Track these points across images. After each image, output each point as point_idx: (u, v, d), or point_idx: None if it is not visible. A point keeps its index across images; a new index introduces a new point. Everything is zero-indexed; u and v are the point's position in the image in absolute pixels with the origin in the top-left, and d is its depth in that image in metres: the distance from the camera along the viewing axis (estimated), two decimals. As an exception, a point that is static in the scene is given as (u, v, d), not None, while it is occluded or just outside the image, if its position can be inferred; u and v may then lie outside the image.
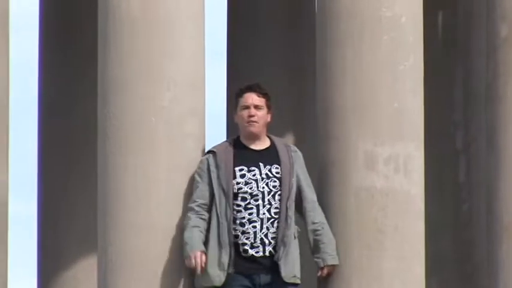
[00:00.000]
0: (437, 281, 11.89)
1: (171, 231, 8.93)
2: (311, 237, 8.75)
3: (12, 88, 10.92)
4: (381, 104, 9.10)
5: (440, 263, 12.41)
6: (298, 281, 9.03)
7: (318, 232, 8.79)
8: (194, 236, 8.72)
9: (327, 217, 9.06)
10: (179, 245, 8.86)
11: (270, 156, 8.92)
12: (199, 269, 8.55)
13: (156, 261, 8.94)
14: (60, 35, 14.03)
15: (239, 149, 9.00)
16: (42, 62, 14.10)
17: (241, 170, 8.81)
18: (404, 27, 9.39)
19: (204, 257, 8.71)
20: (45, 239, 13.69)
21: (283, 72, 12.86)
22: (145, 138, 8.93)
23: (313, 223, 8.84)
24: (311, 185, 9.13)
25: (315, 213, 8.89)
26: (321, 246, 8.82)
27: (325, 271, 8.86)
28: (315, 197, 9.03)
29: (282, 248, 8.62)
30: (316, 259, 8.91)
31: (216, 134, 11.92)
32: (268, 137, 9.08)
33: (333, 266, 9.00)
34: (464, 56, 12.96)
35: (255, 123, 8.81)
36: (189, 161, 9.09)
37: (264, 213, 8.72)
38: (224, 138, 10.57)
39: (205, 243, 8.80)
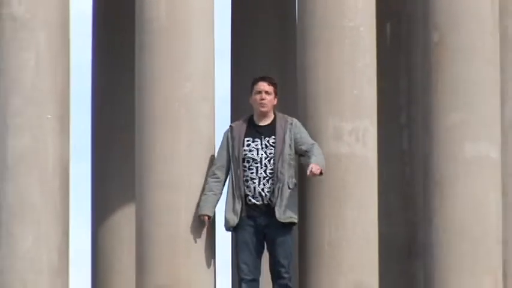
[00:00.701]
0: (386, 224, 13.58)
1: (191, 188, 11.23)
2: (305, 158, 10.87)
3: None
4: (345, 92, 11.33)
5: (389, 212, 13.92)
6: (295, 221, 11.11)
7: (309, 153, 10.82)
8: (207, 200, 10.97)
9: (303, 177, 11.19)
10: (197, 200, 11.29)
11: (270, 130, 11.05)
12: (205, 228, 11.11)
13: (181, 213, 11.29)
14: (110, 41, 15.98)
15: (249, 124, 11.17)
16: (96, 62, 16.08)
17: (248, 140, 10.97)
18: (362, 34, 11.64)
19: (207, 221, 11.11)
20: (97, 191, 15.83)
21: (274, 67, 14.44)
22: (171, 118, 11.27)
23: (307, 151, 10.88)
24: (308, 137, 11.08)
25: (311, 149, 10.88)
26: (311, 156, 10.86)
27: (313, 169, 10.72)
28: (311, 141, 11.01)
29: (276, 197, 10.75)
30: (306, 162, 10.95)
31: (222, 115, 13.87)
32: (275, 114, 11.23)
33: (320, 169, 10.85)
34: (407, 55, 14.12)
35: (264, 105, 10.96)
36: (202, 136, 11.36)
37: (261, 173, 10.91)
38: (229, 119, 13.80)
39: (224, 195, 11.36)
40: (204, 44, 11.73)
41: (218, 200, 11.45)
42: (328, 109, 11.47)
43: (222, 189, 11.48)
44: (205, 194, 11.16)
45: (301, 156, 11.08)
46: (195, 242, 11.51)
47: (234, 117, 14.04)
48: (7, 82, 12.08)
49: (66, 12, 12.58)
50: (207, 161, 11.55)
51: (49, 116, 12.08)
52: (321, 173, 10.87)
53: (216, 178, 11.18)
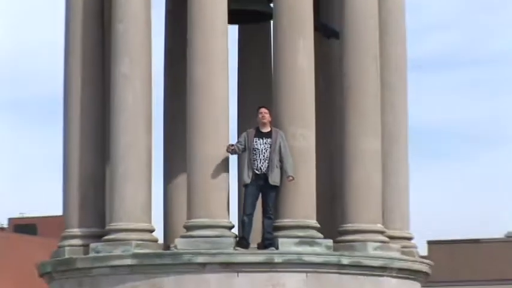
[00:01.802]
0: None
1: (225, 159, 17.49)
2: (280, 163, 17.27)
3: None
4: (299, 112, 17.53)
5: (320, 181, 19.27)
6: (278, 184, 17.46)
7: (283, 160, 17.14)
8: (238, 145, 17.38)
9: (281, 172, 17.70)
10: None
11: (267, 135, 17.67)
12: (229, 149, 17.20)
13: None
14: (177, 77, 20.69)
15: (256, 131, 17.72)
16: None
17: (255, 139, 17.57)
18: (306, 75, 17.78)
19: (232, 147, 17.27)
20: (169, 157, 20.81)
21: (266, 100, 19.55)
22: (212, 124, 17.20)
23: (282, 157, 17.20)
24: (286, 147, 17.35)
25: (285, 157, 17.19)
26: (285, 164, 17.21)
27: (290, 178, 17.18)
28: (287, 151, 17.33)
29: (269, 171, 17.30)
30: (283, 166, 17.31)
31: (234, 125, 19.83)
32: (271, 127, 17.71)
33: (292, 178, 17.13)
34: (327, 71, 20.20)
35: (264, 120, 17.52)
36: (224, 135, 17.52)
37: (261, 158, 17.42)
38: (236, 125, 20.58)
39: (242, 168, 18.06)
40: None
41: (240, 149, 17.78)
42: (288, 122, 17.82)
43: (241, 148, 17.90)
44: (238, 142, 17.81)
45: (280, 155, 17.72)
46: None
47: (241, 128, 20.48)
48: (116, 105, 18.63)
49: (150, 68, 19.04)
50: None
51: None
52: (293, 178, 17.21)
53: (242, 145, 17.65)
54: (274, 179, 17.38)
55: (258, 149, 17.72)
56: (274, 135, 17.56)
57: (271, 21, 19.34)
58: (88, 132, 19.19)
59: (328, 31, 19.89)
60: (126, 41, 18.56)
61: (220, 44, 18.24)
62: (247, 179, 17.71)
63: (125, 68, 18.29)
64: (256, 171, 17.65)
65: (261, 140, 17.73)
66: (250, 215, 17.71)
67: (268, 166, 17.47)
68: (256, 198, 17.83)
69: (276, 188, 17.50)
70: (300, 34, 18.09)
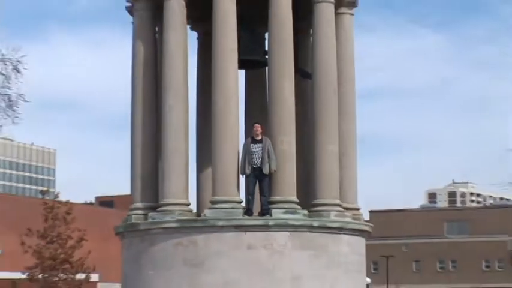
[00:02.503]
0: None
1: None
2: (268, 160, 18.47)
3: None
4: (282, 123, 18.70)
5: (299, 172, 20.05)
6: (267, 173, 18.59)
7: (269, 158, 18.35)
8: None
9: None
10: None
11: (260, 141, 18.84)
12: None
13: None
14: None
15: (252, 139, 18.99)
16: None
17: (251, 145, 18.82)
18: (288, 95, 18.99)
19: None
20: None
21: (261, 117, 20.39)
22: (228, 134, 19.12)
23: (268, 156, 18.39)
24: (272, 151, 18.56)
25: (271, 157, 18.51)
26: (270, 161, 18.32)
27: (273, 171, 18.46)
28: (272, 153, 18.60)
29: (262, 165, 18.51)
30: (269, 162, 18.43)
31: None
32: (262, 136, 18.91)
33: (274, 170, 18.39)
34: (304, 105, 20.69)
35: (256, 132, 18.79)
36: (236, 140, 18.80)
37: (256, 157, 18.59)
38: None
39: (243, 164, 18.84)
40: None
41: (244, 154, 19.01)
42: (278, 132, 19.01)
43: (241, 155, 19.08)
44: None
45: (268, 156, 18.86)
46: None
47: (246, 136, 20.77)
48: (165, 123, 19.49)
49: (187, 97, 19.89)
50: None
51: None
52: (275, 171, 18.50)
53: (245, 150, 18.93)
54: (265, 170, 18.92)
55: (253, 151, 19.29)
56: (264, 142, 19.06)
57: (266, 68, 20.59)
58: (147, 139, 20.55)
59: (304, 73, 20.85)
60: (171, 81, 19.87)
61: (233, 82, 19.73)
62: (248, 171, 19.26)
63: (170, 99, 19.76)
64: (254, 166, 19.26)
65: (255, 145, 19.32)
66: (252, 194, 19.37)
67: (261, 162, 19.05)
68: (255, 184, 19.38)
69: (267, 176, 19.00)
70: (284, 76, 19.44)
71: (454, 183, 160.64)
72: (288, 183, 19.17)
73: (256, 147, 19.20)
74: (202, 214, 19.64)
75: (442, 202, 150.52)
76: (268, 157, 19.06)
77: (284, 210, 18.84)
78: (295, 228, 18.81)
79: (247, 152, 19.33)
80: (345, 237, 19.64)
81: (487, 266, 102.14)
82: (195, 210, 20.74)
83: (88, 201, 74.62)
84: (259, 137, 19.27)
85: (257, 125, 19.47)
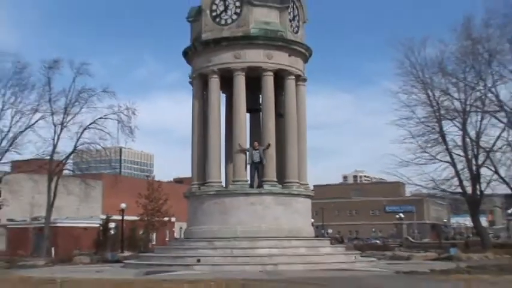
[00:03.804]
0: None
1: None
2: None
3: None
4: (267, 139, 20.12)
5: (277, 165, 21.00)
6: (263, 163, 19.35)
7: (262, 158, 19.17)
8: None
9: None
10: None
11: (257, 149, 19.71)
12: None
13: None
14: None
15: (253, 148, 19.70)
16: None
17: (253, 151, 19.57)
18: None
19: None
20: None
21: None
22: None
23: (261, 157, 19.31)
24: (263, 154, 19.12)
25: (262, 157, 19.26)
26: (262, 159, 19.09)
27: (264, 164, 19.15)
28: (263, 155, 19.28)
29: (259, 161, 19.55)
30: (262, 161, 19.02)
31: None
32: (259, 147, 19.34)
33: (264, 164, 19.03)
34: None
35: (255, 145, 19.35)
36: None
37: (255, 157, 19.51)
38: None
39: (249, 160, 19.63)
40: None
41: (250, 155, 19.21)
42: (265, 142, 19.70)
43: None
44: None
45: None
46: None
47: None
48: (209, 140, 20.11)
49: (219, 128, 20.55)
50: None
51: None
52: (265, 163, 18.28)
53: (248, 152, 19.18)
54: (261, 165, 20.02)
55: (254, 155, 20.32)
56: (260, 150, 20.20)
57: (260, 112, 21.44)
58: (199, 149, 21.23)
59: (280, 115, 21.08)
60: (211, 119, 20.79)
61: (243, 120, 20.75)
62: (250, 163, 20.18)
63: (211, 128, 20.68)
64: (254, 161, 20.27)
65: (255, 151, 20.27)
66: (253, 176, 20.36)
67: (259, 159, 20.12)
68: (254, 171, 20.33)
69: (262, 166, 20.08)
70: (269, 117, 20.49)
71: (355, 170, 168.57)
72: (271, 171, 20.47)
73: (256, 152, 20.25)
74: (228, 188, 20.75)
75: (350, 180, 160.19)
76: (261, 159, 20.29)
77: (270, 185, 20.15)
78: (275, 194, 20.08)
79: (251, 154, 20.37)
80: (300, 199, 20.85)
81: (372, 213, 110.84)
82: (224, 185, 21.20)
83: (169, 180, 76.50)
84: (257, 147, 20.42)
85: (256, 143, 20.70)
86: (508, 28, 30.50)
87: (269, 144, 19.93)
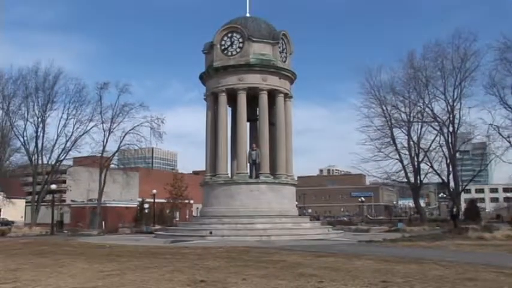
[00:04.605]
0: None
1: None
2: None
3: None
4: (261, 144, 19.01)
5: (270, 161, 20.01)
6: (258, 163, 18.57)
7: (257, 158, 18.28)
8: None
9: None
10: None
11: (255, 150, 19.17)
12: None
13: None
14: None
15: (252, 149, 19.31)
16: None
17: (251, 152, 19.03)
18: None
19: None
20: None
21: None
22: None
23: (257, 157, 18.43)
24: (259, 154, 18.41)
25: (258, 157, 18.56)
26: (258, 159, 18.19)
27: (258, 162, 18.14)
28: (260, 155, 18.49)
29: (256, 160, 18.82)
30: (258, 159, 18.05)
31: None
32: (256, 148, 18.87)
33: (259, 163, 17.90)
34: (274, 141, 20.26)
35: (253, 147, 18.98)
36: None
37: (254, 156, 18.82)
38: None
39: (248, 159, 18.75)
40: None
41: (249, 154, 18.32)
42: (261, 146, 18.93)
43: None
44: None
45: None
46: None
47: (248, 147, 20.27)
48: (218, 142, 18.93)
49: (226, 134, 19.76)
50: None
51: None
52: (260, 162, 17.03)
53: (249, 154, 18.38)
54: (258, 161, 19.39)
55: (252, 154, 19.84)
56: (257, 151, 19.67)
57: (257, 121, 20.89)
58: (212, 149, 20.50)
59: (272, 123, 20.29)
60: (220, 128, 20.09)
61: (244, 128, 20.25)
62: (250, 161, 19.62)
63: (220, 134, 20.08)
64: (253, 159, 19.78)
65: (253, 152, 19.83)
66: (251, 170, 19.77)
67: (257, 158, 19.54)
68: (252, 166, 19.72)
69: (258, 164, 19.46)
70: (265, 125, 19.91)
71: (329, 165, 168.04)
72: (265, 166, 19.94)
73: (254, 153, 19.75)
74: (233, 178, 20.20)
75: (325, 173, 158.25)
76: (258, 157, 19.75)
77: (264, 176, 19.70)
78: (269, 183, 19.61)
79: (250, 154, 19.93)
80: (287, 187, 20.35)
81: (341, 197, 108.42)
82: (230, 176, 20.65)
83: (189, 173, 75.68)
84: (254, 149, 19.90)
85: (254, 144, 20.24)
86: (438, 61, 32.82)
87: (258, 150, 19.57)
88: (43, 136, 34.41)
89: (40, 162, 35.23)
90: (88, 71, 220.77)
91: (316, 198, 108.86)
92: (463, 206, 42.81)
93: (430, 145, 33.35)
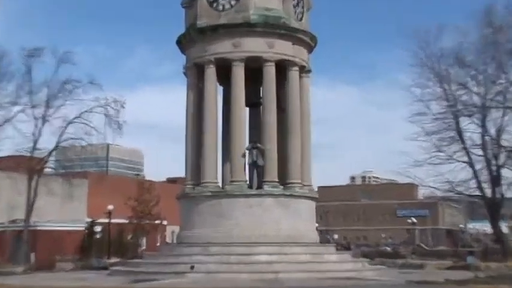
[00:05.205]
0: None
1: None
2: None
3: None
4: (268, 138, 19.86)
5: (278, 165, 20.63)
6: (262, 165, 19.58)
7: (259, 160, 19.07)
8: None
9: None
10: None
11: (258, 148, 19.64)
12: None
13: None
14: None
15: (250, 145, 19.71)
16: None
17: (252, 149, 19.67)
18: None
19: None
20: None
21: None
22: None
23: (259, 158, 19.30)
24: (261, 155, 19.31)
25: (260, 159, 19.42)
26: (260, 161, 19.15)
27: (261, 165, 19.21)
28: (262, 156, 19.47)
29: (257, 161, 19.63)
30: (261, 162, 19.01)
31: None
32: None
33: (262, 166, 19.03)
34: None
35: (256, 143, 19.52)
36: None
37: (254, 157, 19.68)
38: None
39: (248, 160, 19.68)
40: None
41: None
42: (267, 142, 19.65)
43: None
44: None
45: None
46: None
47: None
48: (204, 133, 19.88)
49: (216, 119, 20.45)
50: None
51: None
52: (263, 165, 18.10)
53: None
54: (260, 163, 20.11)
55: (253, 153, 20.53)
56: (259, 149, 20.40)
57: (261, 106, 21.47)
58: (194, 146, 21.19)
59: (280, 108, 21.03)
60: (207, 114, 20.71)
61: (242, 115, 20.79)
62: (250, 163, 20.23)
63: (207, 124, 20.67)
64: (254, 160, 20.43)
65: (254, 150, 20.54)
66: (252, 177, 20.51)
67: (259, 159, 20.24)
68: (253, 170, 20.46)
69: (263, 168, 20.18)
70: (270, 111, 20.49)
71: (364, 171, 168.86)
72: (272, 171, 20.49)
73: (255, 152, 20.34)
74: (224, 188, 20.86)
75: (358, 181, 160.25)
76: (261, 157, 20.28)
77: (270, 185, 20.20)
78: (276, 196, 20.15)
79: (250, 154, 20.44)
80: (303, 201, 20.97)
81: (382, 217, 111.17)
82: (221, 186, 21.53)
83: (162, 180, 76.51)
84: (256, 146, 20.47)
85: (255, 140, 20.93)
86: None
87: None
88: None
89: None
90: (10, 31, 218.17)
91: (346, 218, 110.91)
92: None
93: (517, 141, 30.69)
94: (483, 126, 32.01)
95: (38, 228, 41.58)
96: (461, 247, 58.47)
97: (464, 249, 51.22)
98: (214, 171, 21.03)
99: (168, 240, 57.16)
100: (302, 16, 21.63)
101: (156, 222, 48.75)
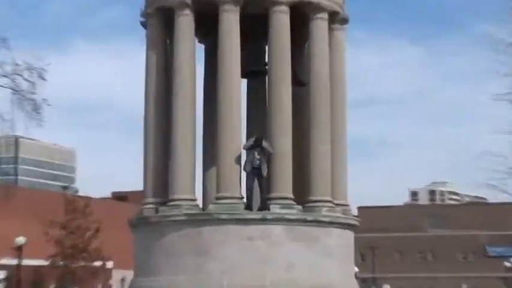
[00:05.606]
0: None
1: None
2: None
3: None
4: (281, 125, 19.44)
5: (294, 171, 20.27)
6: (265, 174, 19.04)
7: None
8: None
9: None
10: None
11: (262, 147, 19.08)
12: None
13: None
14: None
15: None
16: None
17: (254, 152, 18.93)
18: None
19: None
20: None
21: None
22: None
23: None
24: (265, 159, 19.00)
25: (264, 164, 18.99)
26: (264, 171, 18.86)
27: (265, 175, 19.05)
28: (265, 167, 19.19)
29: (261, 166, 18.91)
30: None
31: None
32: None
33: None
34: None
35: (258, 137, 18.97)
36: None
37: (255, 159, 18.93)
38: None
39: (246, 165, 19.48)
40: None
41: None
42: (278, 133, 19.33)
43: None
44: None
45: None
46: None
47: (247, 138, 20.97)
48: (175, 126, 19.69)
49: (194, 103, 20.08)
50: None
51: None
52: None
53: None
54: (264, 171, 19.83)
55: (254, 154, 20.23)
56: (263, 146, 20.16)
57: (266, 77, 21.14)
58: (158, 140, 21.29)
59: (298, 82, 21.21)
60: (179, 88, 20.61)
61: (236, 90, 20.46)
62: (250, 167, 20.05)
63: (179, 104, 20.49)
64: (254, 167, 20.06)
65: (256, 150, 20.24)
66: (251, 190, 20.09)
67: (263, 163, 19.95)
68: (253, 181, 20.02)
69: (267, 177, 19.85)
70: (283, 83, 20.24)
71: (433, 182, 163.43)
72: (285, 180, 19.86)
73: (257, 152, 20.03)
74: (207, 209, 20.34)
75: (423, 200, 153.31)
76: (265, 159, 19.85)
77: (281, 205, 19.47)
78: (290, 222, 19.44)
79: (248, 155, 19.99)
80: (335, 230, 20.26)
81: (464, 258, 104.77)
82: (201, 205, 21.30)
83: (104, 196, 75.94)
84: (259, 143, 20.11)
85: (258, 132, 20.67)
86: None
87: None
88: None
89: None
90: None
91: (403, 258, 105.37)
92: None
93: None
94: None
95: None
96: None
97: None
98: (191, 182, 20.44)
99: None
100: None
101: (96, 264, 48.39)
